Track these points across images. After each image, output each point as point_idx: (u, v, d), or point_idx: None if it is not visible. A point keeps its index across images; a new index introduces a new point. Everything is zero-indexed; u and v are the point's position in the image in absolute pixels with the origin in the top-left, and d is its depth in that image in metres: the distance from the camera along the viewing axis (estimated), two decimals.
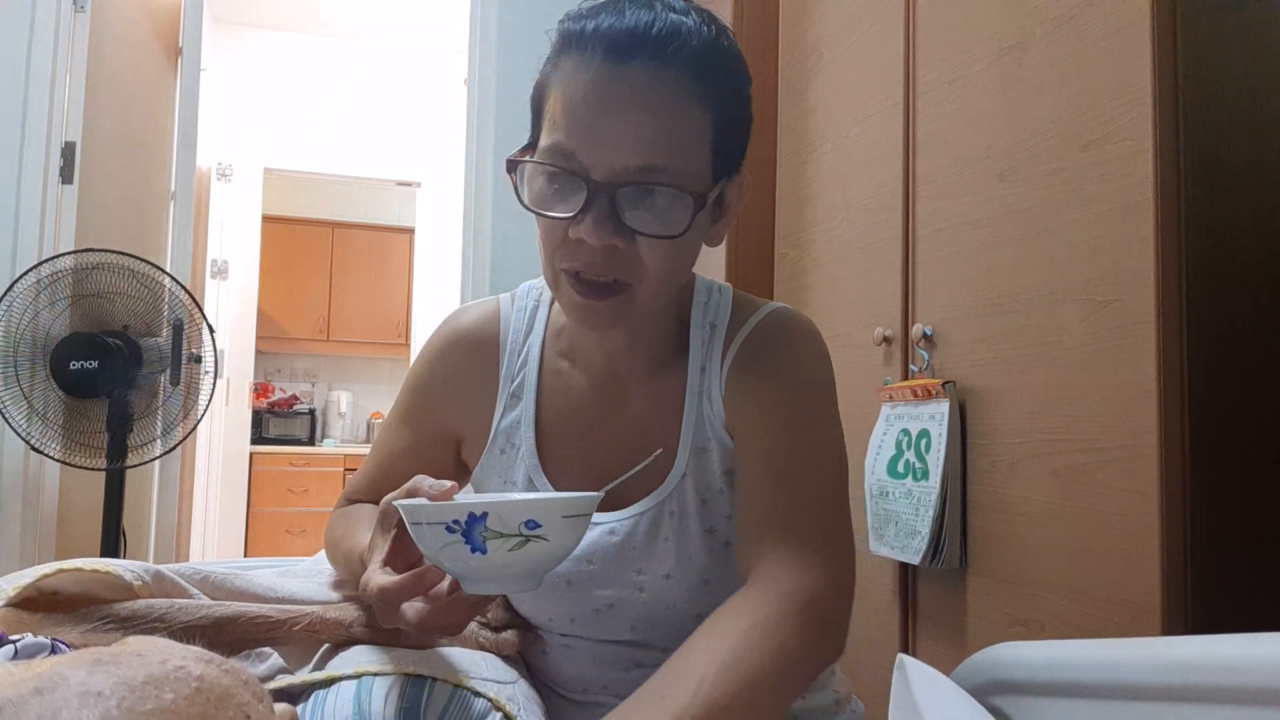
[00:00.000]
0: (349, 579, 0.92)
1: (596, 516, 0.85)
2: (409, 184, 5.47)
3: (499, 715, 0.77)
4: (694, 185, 0.75)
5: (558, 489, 0.88)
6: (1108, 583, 1.08)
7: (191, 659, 0.38)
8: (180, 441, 2.40)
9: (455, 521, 0.65)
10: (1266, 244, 1.09)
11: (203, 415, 2.44)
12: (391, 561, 0.72)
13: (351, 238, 6.24)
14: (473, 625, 0.90)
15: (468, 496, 0.76)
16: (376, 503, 0.92)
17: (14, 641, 0.55)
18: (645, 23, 0.74)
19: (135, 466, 2.35)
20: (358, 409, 6.33)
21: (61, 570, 0.80)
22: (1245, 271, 1.08)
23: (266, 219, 5.34)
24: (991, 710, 0.62)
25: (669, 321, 0.90)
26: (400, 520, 0.71)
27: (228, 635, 0.83)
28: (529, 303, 0.95)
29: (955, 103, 1.40)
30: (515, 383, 0.92)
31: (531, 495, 0.76)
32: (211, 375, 2.46)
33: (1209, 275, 1.05)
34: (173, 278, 2.37)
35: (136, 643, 0.39)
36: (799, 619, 0.69)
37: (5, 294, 2.22)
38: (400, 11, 4.97)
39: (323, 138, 5.22)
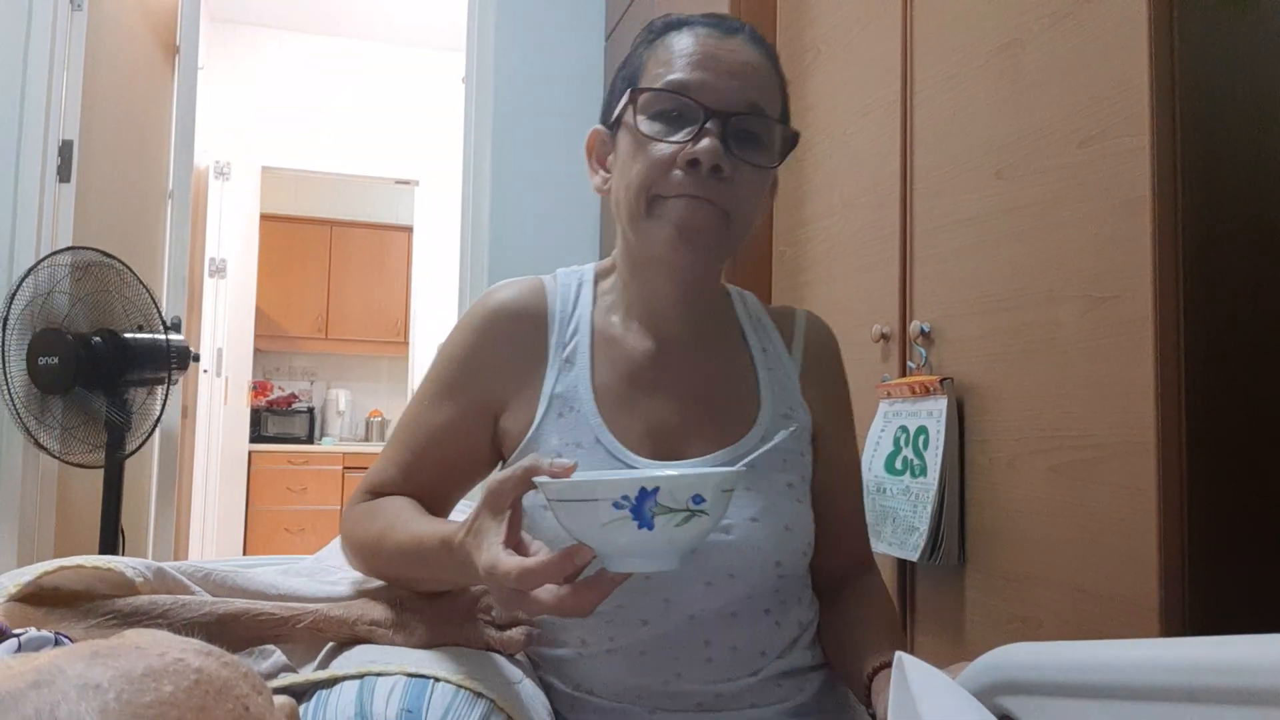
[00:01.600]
0: (404, 573, 0.90)
1: (673, 465, 0.89)
2: (407, 182, 5.47)
3: (502, 716, 0.77)
4: (778, 137, 0.90)
5: (625, 449, 0.89)
6: (1106, 579, 1.09)
7: (190, 652, 0.38)
8: (136, 448, 2.37)
9: (625, 497, 0.64)
10: (1264, 240, 1.09)
11: (153, 427, 2.40)
12: (510, 543, 0.70)
13: (350, 236, 6.24)
14: (478, 624, 0.89)
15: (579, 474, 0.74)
16: (410, 492, 0.93)
17: (17, 635, 0.55)
18: (734, 18, 0.93)
19: (85, 467, 2.34)
20: (356, 407, 6.33)
21: (63, 568, 0.80)
22: (1243, 267, 1.08)
23: (264, 217, 5.34)
24: (999, 711, 0.62)
25: (718, 292, 1.01)
26: (515, 501, 0.70)
27: (231, 632, 0.82)
28: (572, 279, 1.00)
29: (953, 100, 1.40)
30: (568, 349, 0.94)
31: (691, 469, 0.75)
32: (166, 382, 2.43)
33: (1206, 271, 1.05)
34: (135, 276, 2.35)
35: (135, 635, 0.39)
36: None
37: (16, 290, 2.22)
38: (398, 9, 4.97)
39: (321, 136, 5.22)
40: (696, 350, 0.95)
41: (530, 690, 0.85)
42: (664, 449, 0.90)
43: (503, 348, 0.94)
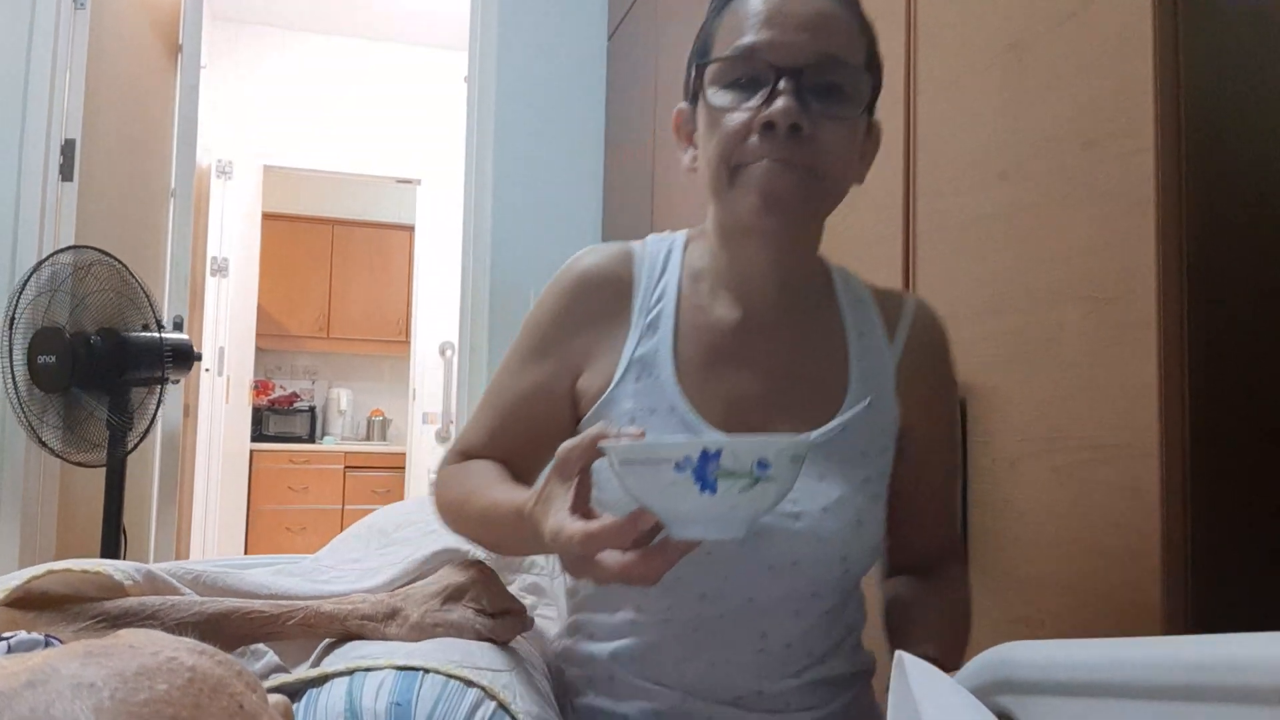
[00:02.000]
0: (484, 538, 0.91)
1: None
2: (409, 181, 5.47)
3: (493, 704, 0.76)
4: (862, 84, 0.85)
5: (699, 418, 0.87)
6: (1108, 581, 1.08)
7: (184, 650, 0.38)
8: (133, 447, 2.37)
9: (687, 459, 0.62)
10: (1269, 242, 1.09)
11: (148, 428, 2.39)
12: (578, 509, 0.69)
13: (352, 235, 6.24)
14: (468, 613, 0.89)
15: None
16: (498, 456, 0.94)
17: (7, 639, 0.55)
18: None
19: (82, 465, 2.34)
20: (358, 406, 6.33)
21: (51, 572, 0.79)
22: (1247, 270, 1.07)
23: (266, 216, 5.34)
24: (998, 710, 0.61)
25: (816, 265, 0.97)
26: (583, 468, 0.70)
27: (222, 631, 0.82)
28: (662, 246, 0.97)
29: (956, 101, 1.40)
30: (652, 314, 0.92)
31: (759, 436, 0.75)
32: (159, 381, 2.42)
33: (1210, 273, 1.05)
34: (133, 275, 2.35)
35: (129, 635, 0.39)
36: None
37: (21, 290, 2.23)
38: (400, 9, 4.97)
39: (323, 135, 5.22)
40: (786, 325, 0.92)
41: (524, 677, 0.84)
42: (741, 422, 0.87)
43: (587, 312, 0.94)
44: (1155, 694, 0.50)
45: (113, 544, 2.32)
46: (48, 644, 0.53)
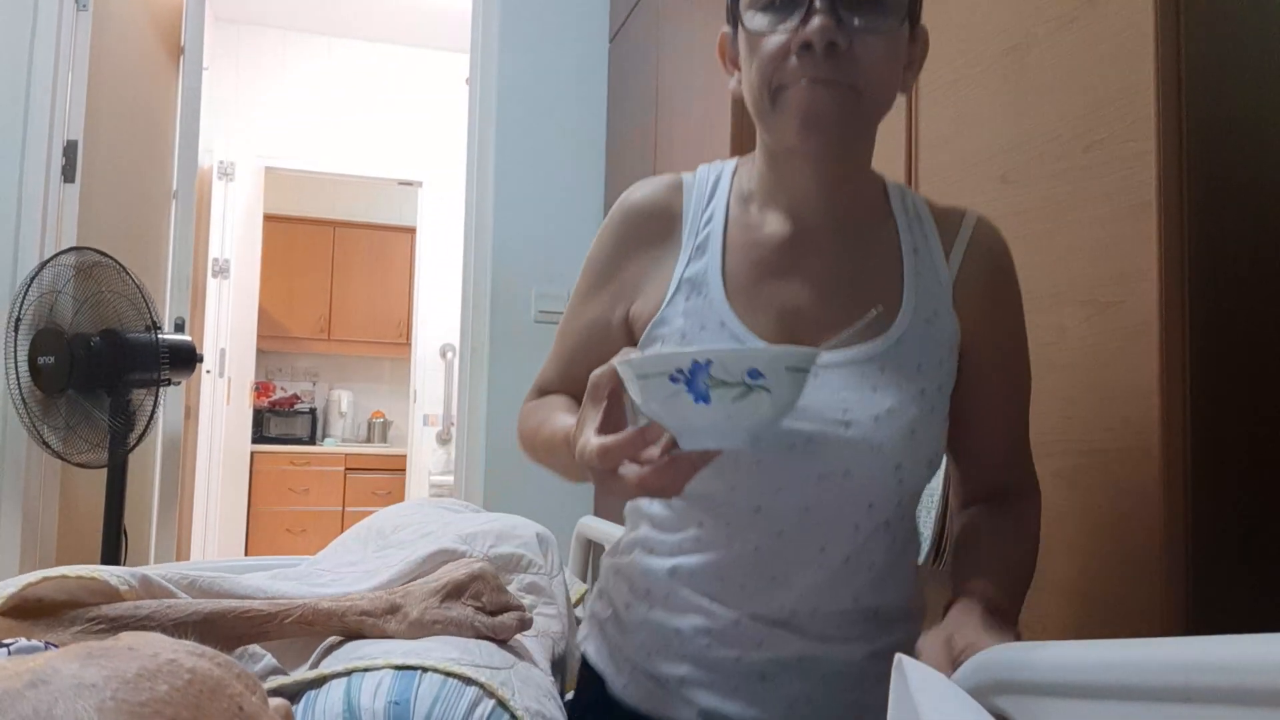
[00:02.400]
0: (553, 466, 0.93)
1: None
2: (411, 183, 5.47)
3: (492, 701, 0.76)
4: None
5: (750, 332, 0.88)
6: (1109, 584, 1.08)
7: (183, 652, 0.38)
8: (131, 447, 2.37)
9: (679, 370, 0.65)
10: (1270, 245, 1.09)
11: (144, 431, 2.39)
12: (604, 430, 0.72)
13: (353, 237, 6.24)
14: (468, 610, 0.89)
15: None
16: (568, 390, 0.99)
17: (7, 645, 0.55)
18: None
19: (83, 466, 2.34)
20: (358, 408, 6.33)
21: (46, 579, 0.79)
22: (1248, 273, 1.07)
23: (268, 218, 5.35)
24: (995, 711, 0.61)
25: (868, 181, 0.94)
26: (612, 391, 0.72)
27: (219, 630, 0.82)
28: (712, 172, 0.99)
29: (957, 103, 1.40)
30: (701, 236, 0.94)
31: (754, 346, 0.74)
32: (155, 383, 2.42)
33: (1212, 276, 1.05)
34: (131, 277, 2.35)
35: (129, 638, 0.39)
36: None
37: (25, 292, 2.23)
38: (402, 11, 4.97)
39: (324, 137, 5.23)
40: (837, 239, 0.91)
41: (523, 675, 0.84)
42: (791, 336, 0.88)
43: (637, 241, 0.97)
44: (1153, 695, 0.50)
45: (113, 545, 2.32)
46: (47, 648, 0.53)
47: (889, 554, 0.89)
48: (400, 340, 6.16)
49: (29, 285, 2.27)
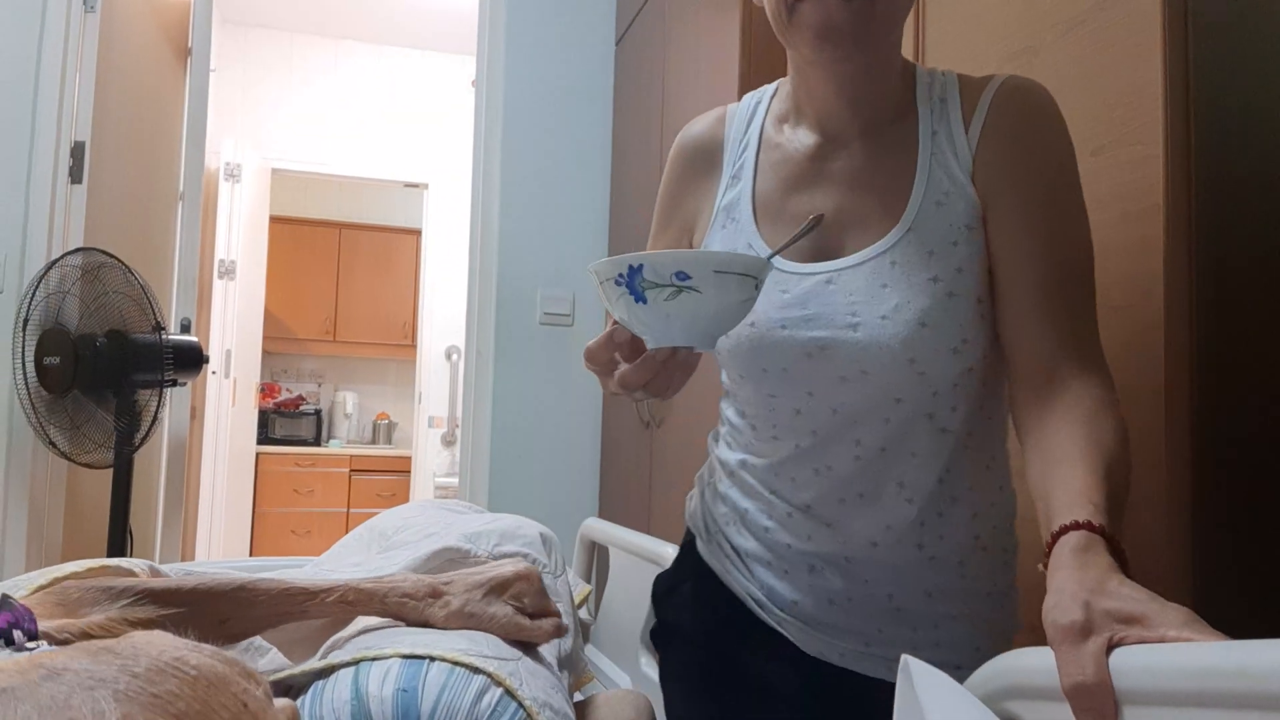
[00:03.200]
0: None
1: (810, 267, 0.89)
2: (417, 185, 5.49)
3: (500, 690, 0.77)
4: None
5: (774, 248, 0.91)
6: None
7: (188, 650, 0.39)
8: (136, 447, 2.37)
9: (620, 275, 0.71)
10: (1277, 249, 1.09)
11: (148, 432, 2.39)
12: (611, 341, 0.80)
13: (359, 239, 6.26)
14: (508, 609, 0.90)
15: None
16: None
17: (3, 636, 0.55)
18: None
19: (89, 466, 2.34)
20: (364, 410, 6.34)
21: (56, 579, 0.79)
22: (1255, 276, 1.07)
23: (274, 219, 5.36)
24: (1006, 715, 0.61)
25: (893, 78, 0.92)
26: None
27: (261, 606, 0.82)
28: (753, 99, 1.02)
29: None
30: (738, 164, 0.98)
31: (687, 250, 0.78)
32: (160, 382, 2.42)
33: (1219, 280, 1.04)
34: (136, 278, 2.35)
35: (137, 636, 0.40)
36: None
37: (34, 292, 2.24)
38: (409, 13, 4.99)
39: (330, 139, 5.24)
40: (862, 144, 0.92)
41: (531, 666, 0.84)
42: (819, 249, 0.90)
43: (688, 177, 1.02)
44: (1162, 700, 0.50)
45: (119, 545, 2.33)
46: (17, 621, 0.54)
47: (935, 442, 0.89)
48: (405, 342, 6.17)
49: (36, 286, 2.27)
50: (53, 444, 2.28)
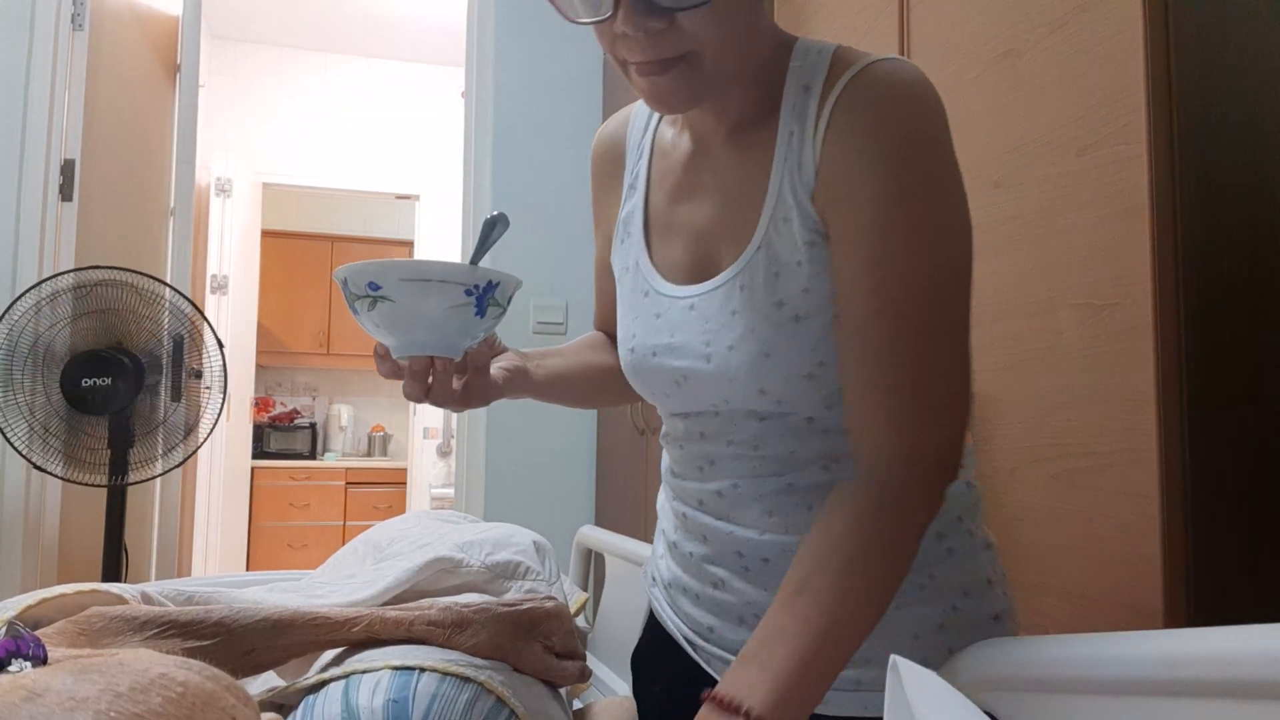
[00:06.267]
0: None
1: (679, 290, 0.84)
2: (408, 197, 5.49)
3: (491, 698, 0.76)
4: None
5: (658, 267, 0.88)
6: (1109, 587, 1.08)
7: (174, 667, 0.38)
8: (182, 461, 2.39)
9: (344, 286, 0.73)
10: (1263, 245, 1.09)
11: (208, 435, 2.41)
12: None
13: (351, 251, 6.25)
14: (537, 648, 0.88)
15: None
16: (601, 325, 1.07)
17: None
18: None
19: (136, 484, 2.34)
20: (358, 422, 6.33)
21: (44, 600, 0.79)
22: (1242, 273, 1.08)
23: (266, 233, 5.36)
24: (982, 707, 0.61)
25: (755, 86, 0.82)
26: None
27: (289, 636, 0.81)
28: None
29: (950, 109, 1.40)
30: (634, 173, 0.94)
31: (380, 260, 0.77)
32: (214, 390, 2.44)
33: (1206, 278, 1.05)
34: (175, 290, 2.37)
35: (122, 654, 0.40)
36: (882, 516, 0.70)
37: (6, 312, 2.23)
38: (398, 26, 4.99)
39: (321, 152, 5.24)
40: (728, 150, 0.84)
41: (523, 676, 0.84)
42: (700, 264, 0.85)
43: (599, 182, 1.00)
44: (1135, 689, 0.50)
45: (114, 562, 2.31)
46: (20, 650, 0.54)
47: (820, 441, 0.81)
48: None
49: (26, 304, 2.26)
50: (41, 468, 2.27)
